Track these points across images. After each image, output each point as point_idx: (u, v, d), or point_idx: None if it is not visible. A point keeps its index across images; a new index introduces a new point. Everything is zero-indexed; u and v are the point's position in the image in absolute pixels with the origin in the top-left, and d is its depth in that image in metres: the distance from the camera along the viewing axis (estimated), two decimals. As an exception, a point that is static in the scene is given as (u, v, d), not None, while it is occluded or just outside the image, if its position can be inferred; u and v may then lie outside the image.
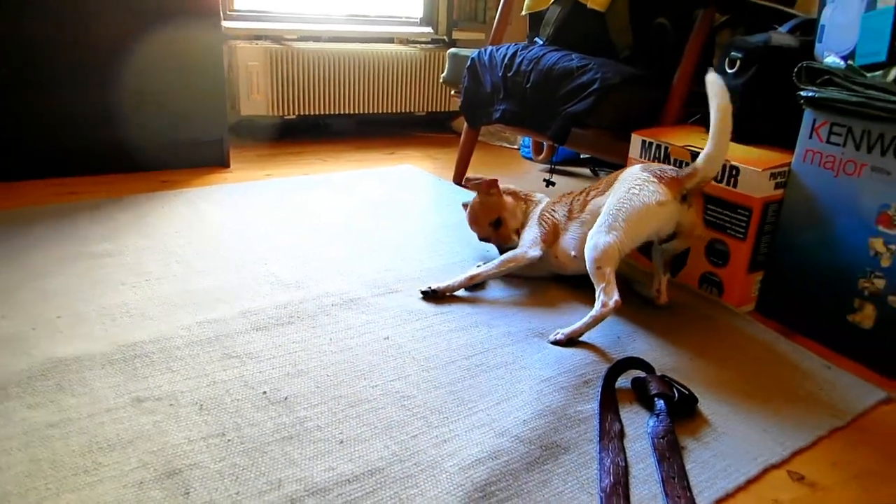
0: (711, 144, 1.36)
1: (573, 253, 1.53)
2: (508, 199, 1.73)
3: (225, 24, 2.79)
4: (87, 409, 1.08)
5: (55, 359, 1.21)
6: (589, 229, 1.44)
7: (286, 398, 1.14)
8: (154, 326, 1.34)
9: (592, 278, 1.38)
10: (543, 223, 1.63)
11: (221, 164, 2.58)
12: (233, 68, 2.88)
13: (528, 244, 1.62)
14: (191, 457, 0.98)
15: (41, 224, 1.85)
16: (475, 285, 1.60)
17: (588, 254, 1.39)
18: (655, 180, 1.40)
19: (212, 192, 2.24)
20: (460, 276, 1.58)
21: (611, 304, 1.33)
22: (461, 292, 1.58)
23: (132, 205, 2.06)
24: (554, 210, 1.63)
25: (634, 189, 1.40)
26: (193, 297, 1.48)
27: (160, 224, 1.91)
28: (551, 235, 1.60)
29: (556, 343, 1.36)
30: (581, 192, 1.59)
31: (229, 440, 1.03)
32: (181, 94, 2.40)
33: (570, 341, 1.36)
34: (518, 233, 1.70)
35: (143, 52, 2.27)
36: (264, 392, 1.15)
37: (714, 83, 1.36)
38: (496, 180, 1.72)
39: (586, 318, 1.36)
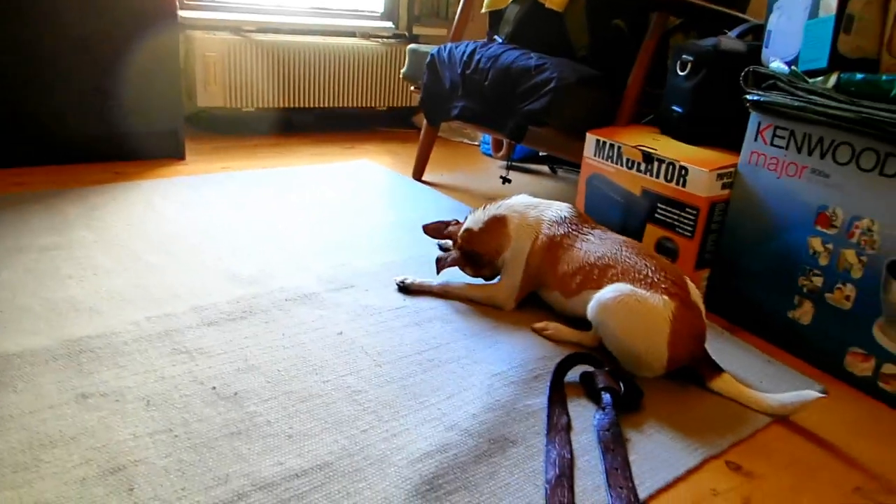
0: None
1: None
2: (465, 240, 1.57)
3: (182, 13, 2.73)
4: (28, 406, 1.05)
5: (-4, 354, 1.18)
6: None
7: (236, 393, 1.13)
8: (101, 321, 1.32)
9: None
10: (525, 274, 1.49)
11: (177, 156, 2.53)
12: (189, 58, 2.82)
13: (508, 293, 1.51)
14: (136, 453, 0.97)
15: (-15, 215, 1.80)
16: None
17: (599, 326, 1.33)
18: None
19: (166, 184, 2.20)
20: (434, 282, 1.58)
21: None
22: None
23: (82, 197, 2.01)
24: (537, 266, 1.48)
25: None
26: (144, 291, 1.46)
27: (111, 217, 1.87)
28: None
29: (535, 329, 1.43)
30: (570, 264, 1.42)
31: (176, 436, 1.02)
32: (135, 84, 2.34)
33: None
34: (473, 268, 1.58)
35: (95, 40, 2.21)
36: (214, 387, 1.14)
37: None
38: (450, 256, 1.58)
39: (574, 336, 1.39)
